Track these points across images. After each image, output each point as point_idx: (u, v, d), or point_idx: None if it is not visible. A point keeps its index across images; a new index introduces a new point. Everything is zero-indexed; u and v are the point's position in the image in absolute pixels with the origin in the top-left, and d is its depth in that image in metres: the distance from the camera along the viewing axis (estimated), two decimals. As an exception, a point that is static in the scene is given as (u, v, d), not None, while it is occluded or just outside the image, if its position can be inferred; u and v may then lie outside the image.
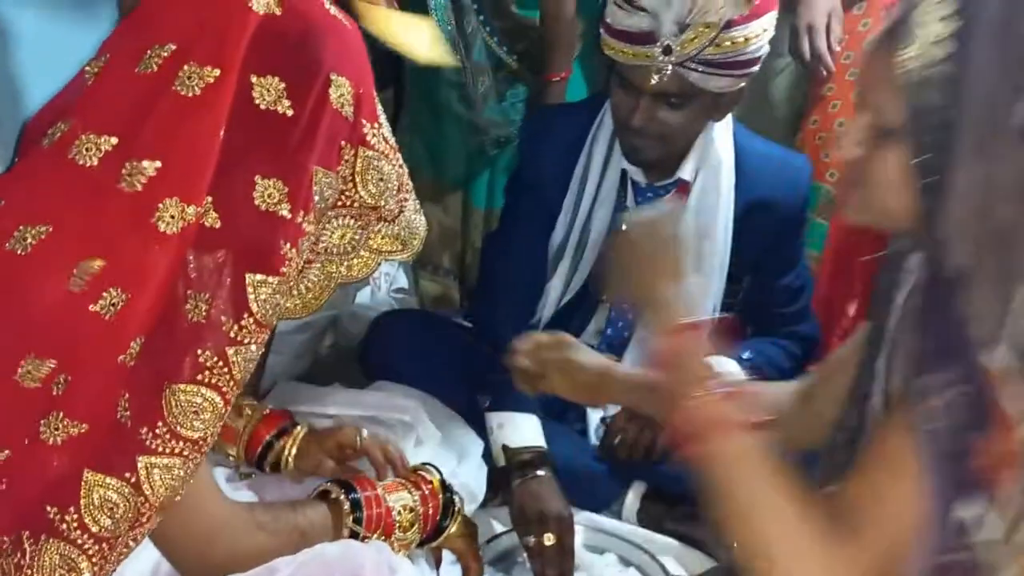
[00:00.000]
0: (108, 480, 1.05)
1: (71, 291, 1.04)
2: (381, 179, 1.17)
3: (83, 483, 1.04)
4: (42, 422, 1.04)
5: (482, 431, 1.92)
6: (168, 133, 1.07)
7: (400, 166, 1.21)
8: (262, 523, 1.23)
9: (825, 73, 2.32)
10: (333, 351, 2.46)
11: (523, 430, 1.88)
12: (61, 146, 1.09)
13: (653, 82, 1.80)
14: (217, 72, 1.07)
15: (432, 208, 2.46)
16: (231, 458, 1.55)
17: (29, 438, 1.04)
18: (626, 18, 1.80)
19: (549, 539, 1.74)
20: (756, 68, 1.86)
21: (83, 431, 1.04)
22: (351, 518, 1.32)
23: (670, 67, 1.78)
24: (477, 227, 2.54)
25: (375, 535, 1.33)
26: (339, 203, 1.15)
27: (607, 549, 1.89)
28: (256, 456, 1.53)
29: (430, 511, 1.40)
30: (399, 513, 1.36)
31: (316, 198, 1.11)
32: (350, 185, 1.15)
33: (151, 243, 1.05)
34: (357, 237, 1.18)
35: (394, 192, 1.19)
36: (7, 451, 1.04)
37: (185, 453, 1.06)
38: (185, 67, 1.07)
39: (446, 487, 1.45)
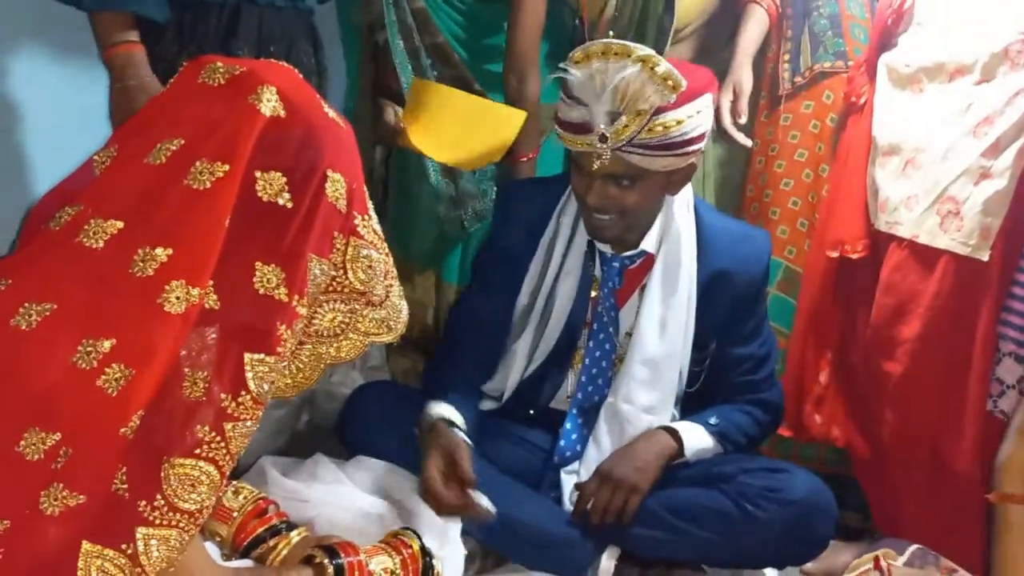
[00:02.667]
0: (106, 551, 1.08)
1: (76, 366, 1.09)
2: (370, 267, 1.25)
3: (82, 554, 1.07)
4: (42, 494, 1.07)
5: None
6: (179, 222, 1.14)
7: (386, 254, 1.29)
8: (248, 587, 1.27)
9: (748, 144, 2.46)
10: (309, 426, 2.49)
11: (444, 407, 2.03)
12: (69, 230, 1.15)
13: (595, 167, 1.91)
14: (226, 168, 1.15)
15: (410, 286, 2.52)
16: (218, 539, 1.59)
17: (29, 509, 1.07)
18: (568, 111, 1.92)
19: (434, 469, 1.89)
20: (700, 145, 1.94)
21: (81, 502, 1.07)
22: (334, 582, 1.35)
23: (608, 152, 1.88)
24: (449, 302, 2.58)
25: (357, 599, 1.36)
26: (330, 288, 1.23)
27: (583, 613, 1.92)
28: (243, 544, 1.56)
29: (410, 574, 1.44)
30: (380, 576, 1.40)
31: (310, 284, 1.18)
32: (341, 272, 1.23)
33: (157, 322, 1.10)
34: (346, 321, 1.26)
35: (381, 279, 1.28)
36: (7, 521, 1.07)
37: (182, 524, 1.10)
38: (197, 163, 1.15)
39: (425, 552, 1.49)
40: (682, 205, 2.08)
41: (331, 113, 1.25)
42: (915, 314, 2.12)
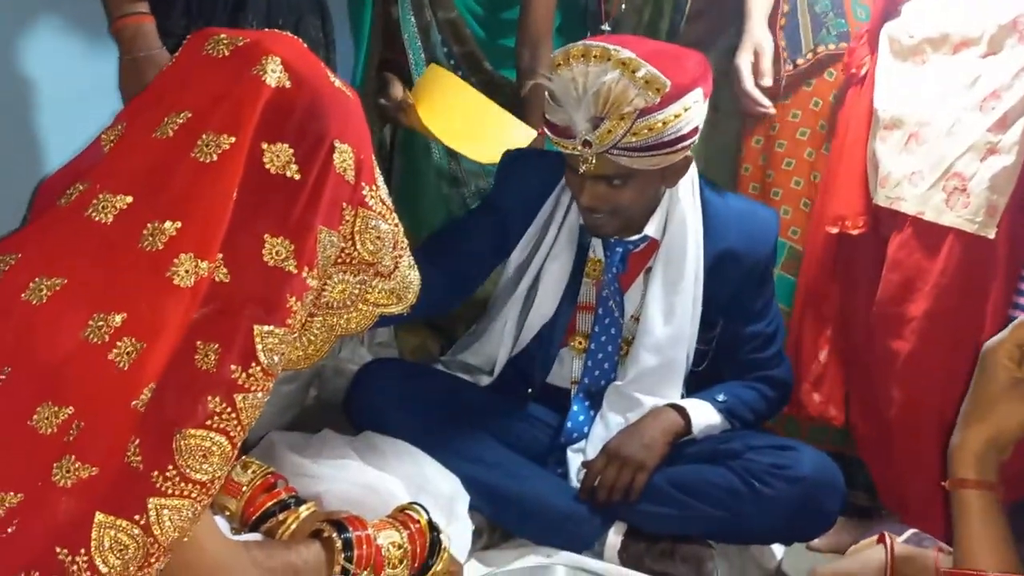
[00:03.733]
0: (119, 522, 1.08)
1: (88, 340, 1.09)
2: (378, 237, 1.25)
3: (95, 525, 1.08)
4: (55, 466, 1.08)
5: (468, 469, 1.98)
6: (186, 195, 1.14)
7: (396, 225, 1.29)
8: (258, 561, 1.27)
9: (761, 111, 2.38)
10: (318, 402, 2.51)
11: None
12: (78, 205, 1.15)
13: (582, 170, 1.87)
14: (232, 139, 1.14)
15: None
16: (227, 513, 1.60)
17: (42, 481, 1.08)
18: (553, 113, 1.88)
19: None
20: (692, 140, 1.89)
21: (93, 474, 1.08)
22: (343, 556, 1.36)
23: (593, 157, 1.85)
24: None
25: (365, 572, 1.37)
26: (339, 260, 1.23)
27: (590, 589, 1.93)
28: (252, 519, 1.58)
29: (418, 549, 1.45)
30: (388, 550, 1.41)
31: (319, 256, 1.18)
32: (350, 243, 1.23)
33: (166, 296, 1.10)
34: (356, 292, 1.26)
35: (390, 249, 1.28)
36: (21, 494, 1.07)
37: (194, 495, 1.11)
38: (203, 136, 1.15)
39: (432, 526, 1.49)
40: (686, 186, 2.06)
41: (337, 82, 1.24)
42: (922, 292, 2.09)
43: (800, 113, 2.42)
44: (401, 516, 1.49)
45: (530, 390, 2.18)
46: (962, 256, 2.04)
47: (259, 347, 1.13)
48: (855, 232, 2.22)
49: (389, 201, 1.29)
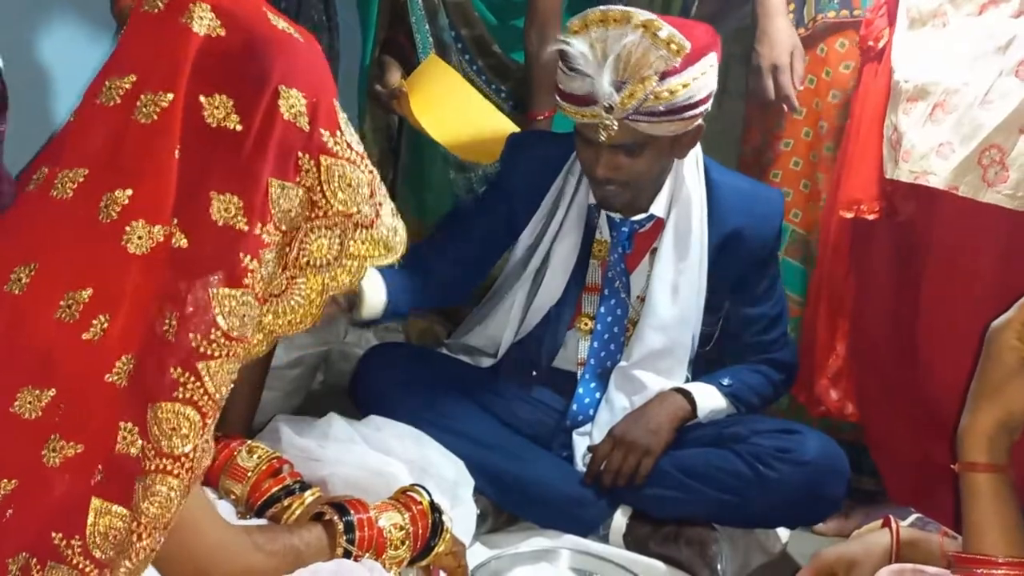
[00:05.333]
0: (114, 507, 1.07)
1: (61, 320, 1.07)
2: (349, 185, 1.18)
3: (91, 510, 1.06)
4: (44, 447, 1.06)
5: (473, 452, 1.97)
6: (134, 160, 1.10)
7: (370, 171, 1.22)
8: (259, 544, 1.27)
9: (787, 109, 2.31)
10: (324, 387, 2.51)
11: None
12: (43, 187, 1.13)
13: (602, 138, 1.87)
14: (170, 96, 1.10)
15: None
16: (233, 497, 1.59)
17: (33, 465, 1.07)
18: (570, 82, 1.87)
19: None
20: (707, 106, 1.91)
21: (79, 451, 1.06)
22: (344, 538, 1.36)
23: (615, 123, 1.85)
24: None
25: (367, 555, 1.38)
26: (312, 215, 1.17)
27: (594, 572, 1.92)
28: (258, 504, 1.57)
29: (419, 530, 1.45)
30: (390, 532, 1.41)
31: (274, 209, 1.13)
32: (319, 195, 1.17)
33: (124, 265, 1.07)
34: (338, 246, 1.20)
35: (367, 197, 1.21)
36: (15, 481, 1.07)
37: (170, 469, 1.08)
38: (142, 96, 1.11)
39: (435, 507, 1.50)
40: (691, 166, 2.06)
41: (281, 24, 1.17)
42: (964, 272, 1.99)
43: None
44: (403, 498, 1.49)
45: (535, 372, 2.18)
46: (1005, 233, 1.93)
47: (216, 311, 1.09)
48: (871, 217, 2.13)
49: (360, 148, 1.22)
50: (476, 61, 2.46)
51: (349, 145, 1.19)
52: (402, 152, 2.64)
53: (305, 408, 2.29)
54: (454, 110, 2.29)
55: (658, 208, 2.06)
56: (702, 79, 1.86)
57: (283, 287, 1.17)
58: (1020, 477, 1.24)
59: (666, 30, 1.79)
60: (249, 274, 1.11)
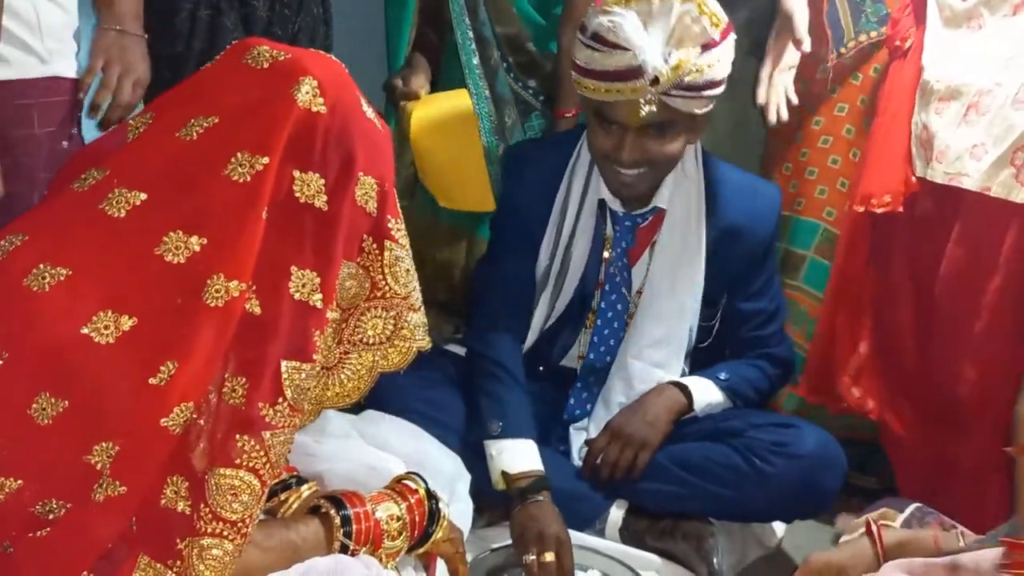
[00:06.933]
0: (159, 567, 1.10)
1: (89, 337, 1.08)
2: (407, 271, 1.25)
3: (137, 568, 1.10)
4: (95, 487, 1.08)
5: (471, 453, 1.97)
6: (212, 210, 1.12)
7: (410, 255, 1.28)
8: (256, 540, 1.26)
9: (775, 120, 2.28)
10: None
11: (521, 456, 1.95)
12: (92, 194, 1.15)
13: (643, 114, 1.84)
14: (265, 160, 1.13)
15: (437, 246, 2.53)
16: None
17: (82, 499, 1.08)
18: (605, 58, 1.85)
19: (548, 557, 1.80)
20: (722, 88, 1.92)
21: (122, 493, 1.08)
22: (341, 532, 1.36)
23: (656, 97, 1.83)
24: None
25: (364, 548, 1.38)
26: (373, 295, 1.22)
27: (590, 566, 1.92)
28: None
29: (416, 519, 1.45)
30: (387, 523, 1.41)
31: (339, 288, 1.18)
32: (380, 277, 1.22)
33: (197, 316, 1.09)
34: (392, 326, 1.25)
35: (416, 283, 1.27)
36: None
37: (225, 534, 1.11)
38: (238, 154, 1.14)
39: (431, 495, 1.50)
40: (691, 156, 2.06)
41: (369, 113, 1.23)
42: (992, 270, 1.98)
43: (838, 88, 2.34)
44: (399, 487, 1.49)
45: (542, 369, 2.18)
46: None
47: (286, 383, 1.12)
48: (880, 211, 2.12)
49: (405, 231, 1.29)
50: (508, 57, 2.45)
51: (404, 232, 1.25)
52: None
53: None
54: (449, 156, 2.34)
55: (661, 199, 2.06)
56: (727, 57, 1.88)
57: (335, 361, 1.22)
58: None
59: (712, 2, 1.81)
60: (317, 350, 1.15)
